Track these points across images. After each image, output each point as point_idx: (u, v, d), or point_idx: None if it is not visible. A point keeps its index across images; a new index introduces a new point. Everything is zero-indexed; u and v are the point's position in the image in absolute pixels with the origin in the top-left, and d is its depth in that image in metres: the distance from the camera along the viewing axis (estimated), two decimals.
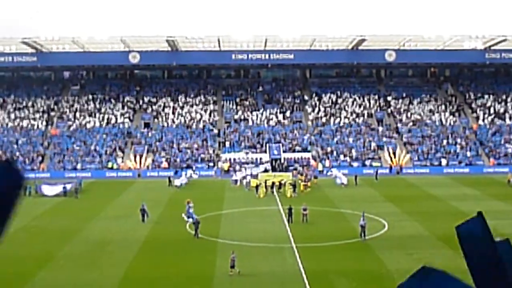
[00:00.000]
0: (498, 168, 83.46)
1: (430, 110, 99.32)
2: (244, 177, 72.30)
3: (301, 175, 71.42)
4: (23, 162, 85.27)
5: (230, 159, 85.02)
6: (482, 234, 4.11)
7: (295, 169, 77.80)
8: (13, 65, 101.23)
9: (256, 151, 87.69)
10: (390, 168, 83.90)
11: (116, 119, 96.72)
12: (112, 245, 42.45)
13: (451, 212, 54.08)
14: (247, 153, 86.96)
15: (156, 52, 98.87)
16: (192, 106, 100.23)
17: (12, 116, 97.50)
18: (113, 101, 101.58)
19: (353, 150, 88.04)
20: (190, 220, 48.38)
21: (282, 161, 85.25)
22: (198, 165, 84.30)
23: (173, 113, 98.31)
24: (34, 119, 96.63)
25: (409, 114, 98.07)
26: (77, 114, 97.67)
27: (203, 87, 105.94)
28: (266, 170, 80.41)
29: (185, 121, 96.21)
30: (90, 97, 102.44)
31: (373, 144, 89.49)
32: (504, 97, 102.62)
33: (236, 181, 72.06)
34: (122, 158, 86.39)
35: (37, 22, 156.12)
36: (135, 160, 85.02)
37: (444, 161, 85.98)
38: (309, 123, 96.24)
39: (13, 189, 2.53)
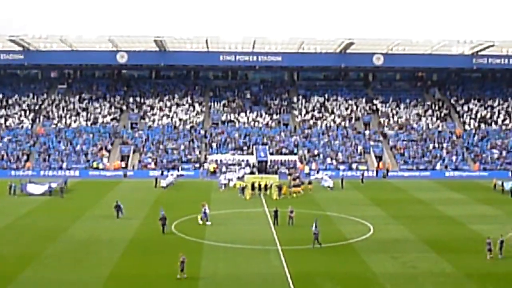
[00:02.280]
0: (483, 173, 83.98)
1: (417, 114, 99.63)
2: (231, 180, 71.98)
3: (294, 179, 70.61)
4: (8, 160, 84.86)
5: (216, 161, 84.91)
6: None
7: (290, 174, 76.78)
8: None
9: (242, 153, 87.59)
10: (377, 171, 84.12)
11: (103, 119, 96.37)
12: (98, 245, 42.29)
13: (437, 216, 54.43)
14: (233, 154, 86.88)
15: (144, 52, 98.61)
16: (179, 106, 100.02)
17: None
18: (100, 100, 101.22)
19: (339, 153, 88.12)
20: (208, 222, 48.81)
21: (269, 163, 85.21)
22: (185, 166, 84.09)
23: (160, 113, 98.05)
24: (20, 117, 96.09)
25: (396, 118, 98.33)
26: (64, 113, 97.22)
27: (191, 88, 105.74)
28: (252, 172, 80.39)
29: (172, 121, 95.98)
30: (77, 96, 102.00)
31: (360, 148, 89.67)
32: (490, 102, 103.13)
33: (224, 185, 70.85)
34: (108, 158, 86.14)
35: (25, 20, 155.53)
36: (121, 160, 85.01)
37: (430, 166, 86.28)
38: (296, 125, 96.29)
39: None
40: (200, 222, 49.33)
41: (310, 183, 69.93)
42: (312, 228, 42.54)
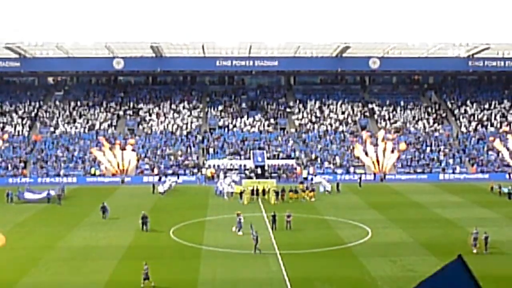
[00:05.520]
0: (481, 175, 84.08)
1: (414, 118, 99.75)
2: (229, 185, 71.38)
3: (307, 189, 69.40)
4: (5, 168, 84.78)
5: (214, 166, 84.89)
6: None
7: (301, 182, 75.51)
8: None
9: (240, 158, 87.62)
10: (374, 175, 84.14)
11: (100, 125, 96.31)
12: (96, 251, 42.25)
13: (435, 219, 54.46)
14: (231, 159, 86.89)
15: (140, 58, 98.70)
16: (176, 112, 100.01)
17: None
18: (96, 107, 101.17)
19: (337, 157, 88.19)
20: (240, 233, 47.56)
21: (266, 167, 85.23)
22: (182, 172, 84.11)
23: (158, 119, 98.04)
24: (17, 124, 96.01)
25: (393, 122, 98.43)
26: (61, 120, 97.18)
27: (188, 94, 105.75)
28: (249, 177, 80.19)
29: (169, 127, 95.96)
30: (74, 103, 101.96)
31: (356, 152, 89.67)
32: (486, 105, 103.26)
33: (232, 193, 67.66)
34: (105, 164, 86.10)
35: (21, 27, 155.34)
36: (118, 167, 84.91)
37: (427, 169, 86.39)
38: (293, 130, 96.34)
39: None
40: (240, 233, 47.14)
41: (312, 190, 69.04)
42: (252, 233, 42.14)
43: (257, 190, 66.84)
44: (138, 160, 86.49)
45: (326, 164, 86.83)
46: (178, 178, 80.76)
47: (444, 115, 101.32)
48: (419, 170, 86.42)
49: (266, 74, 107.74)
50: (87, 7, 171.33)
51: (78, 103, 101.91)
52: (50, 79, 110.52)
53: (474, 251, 40.55)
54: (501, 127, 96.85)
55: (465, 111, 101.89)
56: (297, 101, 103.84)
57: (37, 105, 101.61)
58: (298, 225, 50.23)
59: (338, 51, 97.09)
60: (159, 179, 79.57)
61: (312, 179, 77.81)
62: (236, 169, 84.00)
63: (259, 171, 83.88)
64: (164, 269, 37.34)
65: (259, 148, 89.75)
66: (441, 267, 6.15)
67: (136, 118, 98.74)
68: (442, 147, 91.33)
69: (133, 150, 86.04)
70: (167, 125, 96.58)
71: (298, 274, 36.00)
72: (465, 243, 42.36)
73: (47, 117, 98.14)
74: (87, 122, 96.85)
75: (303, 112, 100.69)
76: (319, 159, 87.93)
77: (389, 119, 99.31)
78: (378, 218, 55.01)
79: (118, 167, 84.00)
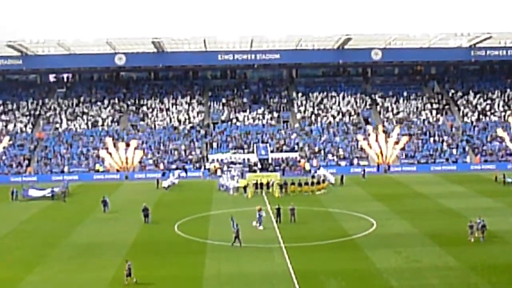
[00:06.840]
0: (484, 165, 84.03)
1: (417, 108, 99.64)
2: (232, 177, 71.42)
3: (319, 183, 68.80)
4: (9, 165, 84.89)
5: (218, 160, 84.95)
6: None
7: (313, 176, 75.11)
8: None
9: (243, 152, 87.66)
10: (378, 166, 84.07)
11: (103, 121, 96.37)
12: (101, 248, 42.28)
13: (439, 210, 54.42)
14: (234, 153, 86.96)
15: (142, 53, 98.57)
16: (178, 107, 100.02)
17: None
18: (99, 103, 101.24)
19: (340, 149, 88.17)
20: (261, 227, 47.40)
21: (270, 161, 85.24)
22: (186, 166, 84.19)
23: (160, 114, 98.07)
24: (21, 122, 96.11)
25: (395, 113, 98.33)
26: (64, 117, 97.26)
27: (190, 88, 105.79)
28: (254, 171, 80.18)
29: (172, 122, 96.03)
30: (76, 99, 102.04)
31: (360, 143, 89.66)
32: (489, 94, 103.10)
33: (237, 188, 66.95)
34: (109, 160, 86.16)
35: (22, 25, 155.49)
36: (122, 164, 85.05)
37: (431, 159, 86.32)
38: (296, 123, 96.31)
39: None
40: (261, 227, 47.11)
41: (318, 182, 68.30)
42: (233, 226, 42.22)
43: (261, 183, 66.85)
44: (142, 156, 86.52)
45: (329, 156, 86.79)
46: (186, 172, 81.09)
47: (447, 105, 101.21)
48: (422, 160, 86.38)
49: (268, 67, 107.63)
50: (87, 3, 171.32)
51: (81, 100, 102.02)
52: (52, 76, 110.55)
53: (471, 239, 40.78)
54: (504, 116, 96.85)
55: (468, 101, 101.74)
56: (300, 94, 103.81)
57: (40, 103, 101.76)
58: (303, 218, 50.26)
59: (340, 43, 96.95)
60: (163, 174, 79.70)
61: (315, 171, 77.60)
62: (240, 163, 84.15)
63: (259, 165, 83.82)
64: (169, 264, 37.43)
65: (263, 142, 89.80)
66: None
67: (139, 113, 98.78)
68: (445, 138, 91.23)
69: (136, 148, 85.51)
70: (170, 120, 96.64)
71: (303, 266, 36.02)
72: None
73: (50, 115, 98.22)
74: (90, 119, 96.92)
75: (305, 105, 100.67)
76: (322, 152, 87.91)
77: (392, 110, 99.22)
78: (382, 209, 55.00)
79: (122, 164, 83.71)
